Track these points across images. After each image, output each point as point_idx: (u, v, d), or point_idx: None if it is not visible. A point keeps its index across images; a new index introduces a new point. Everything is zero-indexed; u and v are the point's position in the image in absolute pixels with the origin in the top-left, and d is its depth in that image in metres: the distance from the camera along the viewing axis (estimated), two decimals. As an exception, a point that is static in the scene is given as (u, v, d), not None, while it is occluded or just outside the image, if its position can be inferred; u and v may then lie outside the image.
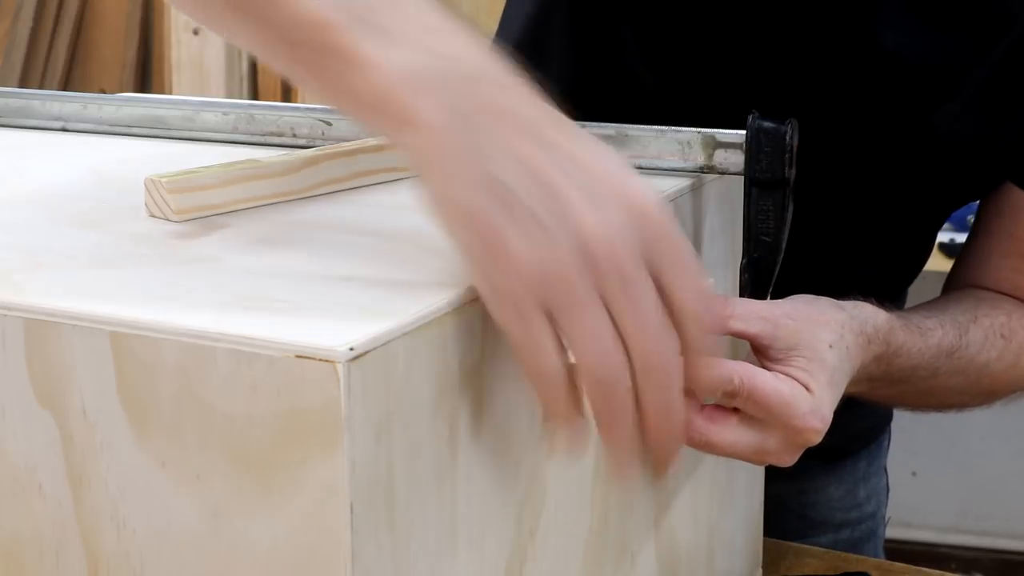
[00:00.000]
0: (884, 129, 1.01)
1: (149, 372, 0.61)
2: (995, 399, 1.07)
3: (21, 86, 2.79)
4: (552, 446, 0.70)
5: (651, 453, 0.69)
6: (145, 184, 0.77)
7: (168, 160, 0.87)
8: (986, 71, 0.98)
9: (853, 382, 0.88)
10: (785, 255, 0.84)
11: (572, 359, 0.64)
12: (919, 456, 2.90)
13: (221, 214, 0.78)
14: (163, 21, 2.87)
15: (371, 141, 0.84)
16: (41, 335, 0.63)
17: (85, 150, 0.96)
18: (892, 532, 1.33)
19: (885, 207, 1.06)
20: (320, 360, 0.57)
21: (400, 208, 0.78)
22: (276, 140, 0.93)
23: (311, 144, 0.92)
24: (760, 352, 0.82)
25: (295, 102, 2.20)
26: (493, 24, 1.17)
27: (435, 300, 0.63)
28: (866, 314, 0.89)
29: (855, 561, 1.10)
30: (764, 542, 1.03)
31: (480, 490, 0.67)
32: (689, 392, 0.79)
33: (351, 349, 0.57)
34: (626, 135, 0.85)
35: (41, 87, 2.88)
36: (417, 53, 0.64)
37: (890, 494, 1.34)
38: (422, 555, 0.63)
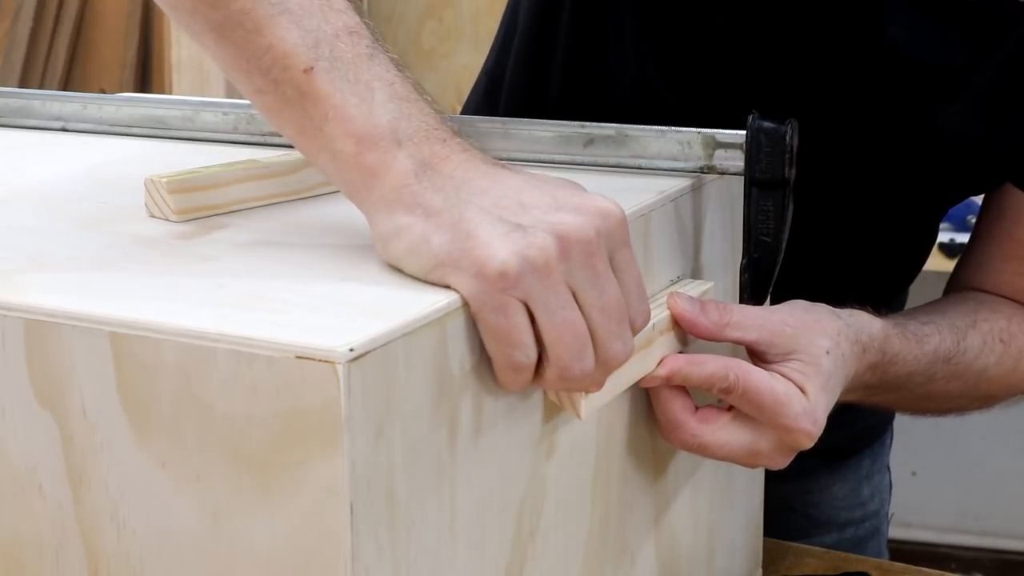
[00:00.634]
0: (887, 127, 1.01)
1: (149, 372, 0.61)
2: (994, 403, 1.07)
3: (21, 86, 2.79)
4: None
5: None
6: (145, 184, 0.77)
7: (168, 160, 0.87)
8: (989, 72, 0.98)
9: (849, 390, 0.88)
10: (785, 255, 0.84)
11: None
12: (919, 456, 2.90)
13: (221, 214, 0.78)
14: (163, 21, 2.87)
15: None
16: (41, 335, 0.63)
17: (85, 150, 0.96)
18: (892, 532, 1.33)
19: (885, 206, 1.06)
20: (320, 360, 0.57)
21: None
22: (276, 140, 0.93)
23: (311, 144, 0.92)
24: (757, 356, 0.82)
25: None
26: (493, 24, 1.17)
27: (435, 300, 0.63)
28: (862, 322, 0.89)
29: (855, 561, 1.10)
30: (764, 542, 1.03)
31: (480, 490, 0.67)
32: (682, 396, 0.79)
33: (351, 349, 0.58)
34: (626, 135, 0.85)
35: (41, 87, 2.88)
36: (390, 105, 0.68)
37: (891, 493, 1.34)
38: (422, 555, 0.63)
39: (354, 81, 0.68)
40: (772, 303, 0.86)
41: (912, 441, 2.80)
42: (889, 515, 1.32)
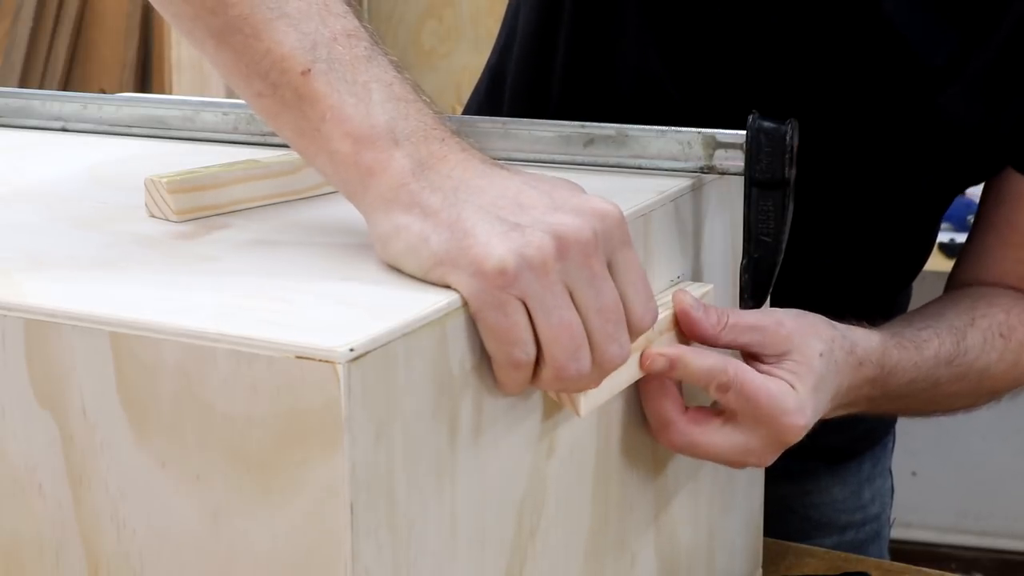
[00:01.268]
0: (888, 115, 1.01)
1: (149, 372, 0.61)
2: (999, 397, 1.07)
3: (21, 86, 2.79)
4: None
5: None
6: (145, 184, 0.77)
7: (168, 160, 0.87)
8: (987, 54, 0.98)
9: (850, 403, 0.89)
10: (785, 255, 0.84)
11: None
12: (919, 456, 2.90)
13: (221, 214, 0.78)
14: (163, 21, 2.87)
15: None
16: (41, 335, 0.63)
17: (85, 150, 0.96)
18: (892, 532, 1.33)
19: (887, 201, 1.06)
20: (320, 360, 0.57)
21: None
22: (276, 140, 0.93)
23: (311, 144, 0.92)
24: (752, 358, 0.83)
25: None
26: (494, 24, 1.17)
27: (435, 300, 0.63)
28: (857, 336, 0.90)
29: (855, 561, 1.10)
30: (764, 542, 1.03)
31: (480, 490, 0.67)
32: (673, 395, 0.80)
33: (351, 349, 0.57)
34: (626, 135, 0.85)
35: (41, 87, 2.88)
36: (388, 105, 0.68)
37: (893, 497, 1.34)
38: (422, 555, 0.63)
39: (351, 82, 0.68)
40: (772, 304, 0.86)
41: (912, 441, 2.80)
42: (891, 520, 1.32)
